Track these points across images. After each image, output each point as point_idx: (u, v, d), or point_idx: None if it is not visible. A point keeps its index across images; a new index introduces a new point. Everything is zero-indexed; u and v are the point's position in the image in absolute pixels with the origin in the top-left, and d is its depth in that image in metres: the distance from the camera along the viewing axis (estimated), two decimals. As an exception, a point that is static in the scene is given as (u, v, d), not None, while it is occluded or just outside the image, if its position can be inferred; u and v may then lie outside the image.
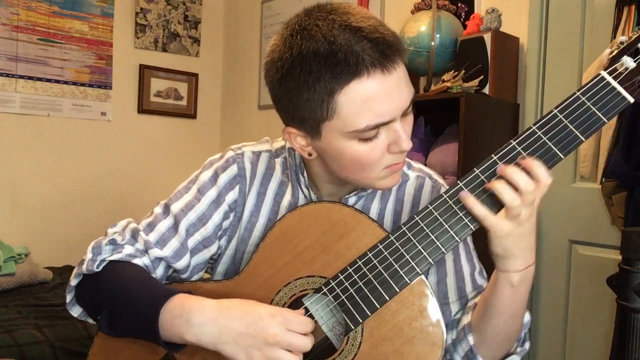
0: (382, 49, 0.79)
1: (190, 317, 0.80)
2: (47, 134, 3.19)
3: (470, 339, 0.89)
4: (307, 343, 0.79)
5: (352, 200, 0.99)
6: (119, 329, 0.88)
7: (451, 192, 0.82)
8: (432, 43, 2.17)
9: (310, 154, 0.91)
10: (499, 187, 0.76)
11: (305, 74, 0.80)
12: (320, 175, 0.97)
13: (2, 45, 3.02)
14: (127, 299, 0.86)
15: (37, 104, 3.14)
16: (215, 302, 0.82)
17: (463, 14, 2.31)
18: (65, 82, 3.22)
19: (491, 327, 0.87)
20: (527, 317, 0.92)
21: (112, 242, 0.94)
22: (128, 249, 0.94)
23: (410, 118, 0.88)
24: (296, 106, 0.84)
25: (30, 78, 3.10)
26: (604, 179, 1.86)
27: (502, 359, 0.91)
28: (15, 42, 3.05)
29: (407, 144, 0.84)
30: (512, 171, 0.77)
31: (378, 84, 0.79)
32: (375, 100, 0.80)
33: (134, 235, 0.96)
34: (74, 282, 0.95)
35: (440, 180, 1.04)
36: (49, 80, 3.16)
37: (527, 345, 0.93)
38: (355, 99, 0.79)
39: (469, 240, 1.01)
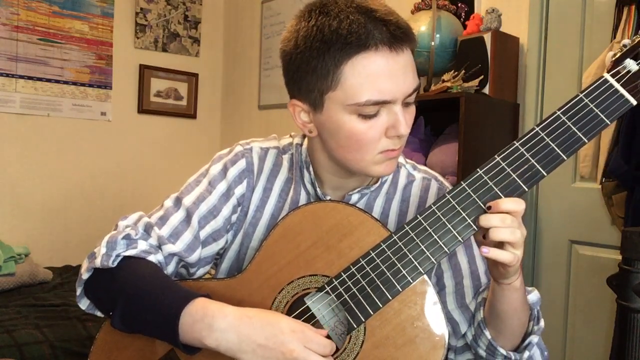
0: (393, 30, 0.83)
1: (213, 322, 0.81)
2: (47, 134, 3.19)
3: (487, 334, 0.91)
4: None
5: (355, 197, 0.99)
6: (133, 325, 0.88)
7: (454, 192, 0.82)
8: (432, 43, 2.17)
9: (311, 132, 0.93)
10: (503, 235, 0.79)
11: (317, 42, 0.84)
12: (324, 164, 0.97)
13: (2, 45, 3.02)
14: (146, 298, 0.86)
15: (37, 104, 3.14)
16: (237, 309, 0.83)
17: (463, 14, 2.31)
18: (65, 82, 3.22)
19: (508, 326, 0.90)
20: (535, 295, 0.94)
21: (127, 237, 0.94)
22: (142, 245, 0.94)
23: (412, 109, 0.90)
24: (304, 75, 0.86)
25: (30, 78, 3.10)
26: (604, 179, 1.86)
27: (522, 342, 0.93)
28: (15, 42, 3.05)
29: (405, 129, 0.86)
30: (491, 220, 0.79)
31: (384, 62, 0.83)
32: (380, 76, 0.83)
33: (147, 229, 0.97)
34: (85, 275, 0.94)
35: (446, 183, 1.05)
36: (49, 80, 3.16)
37: (542, 322, 0.95)
38: (360, 72, 0.83)
39: None
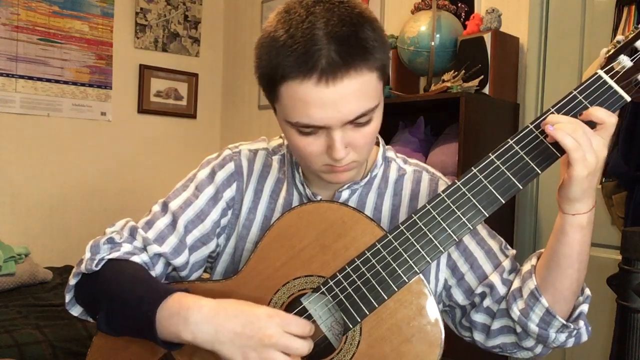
0: (340, 55, 0.77)
1: (188, 315, 0.80)
2: (47, 134, 3.19)
3: (544, 301, 0.88)
4: (304, 346, 0.78)
5: (345, 194, 0.98)
6: (117, 327, 0.88)
7: (449, 191, 0.82)
8: (432, 43, 2.17)
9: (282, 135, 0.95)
10: (559, 136, 0.75)
11: (266, 54, 0.82)
12: None
13: (2, 45, 3.02)
14: (125, 297, 0.86)
15: (37, 104, 3.14)
16: (213, 301, 0.82)
17: (463, 14, 2.31)
18: (65, 82, 3.22)
19: (567, 280, 0.87)
20: None
21: (110, 240, 0.95)
22: (126, 247, 0.94)
23: (367, 129, 0.85)
24: (260, 81, 0.87)
25: (30, 78, 3.11)
26: (604, 179, 1.86)
27: (571, 313, 0.92)
28: (15, 42, 3.05)
29: (338, 154, 0.83)
30: (559, 118, 0.76)
31: (315, 92, 0.78)
32: (310, 104, 0.79)
33: (132, 233, 0.97)
34: (72, 281, 0.95)
35: (437, 174, 1.04)
36: (49, 80, 3.16)
37: (587, 291, 0.93)
38: (291, 95, 0.81)
39: (484, 225, 1.00)
